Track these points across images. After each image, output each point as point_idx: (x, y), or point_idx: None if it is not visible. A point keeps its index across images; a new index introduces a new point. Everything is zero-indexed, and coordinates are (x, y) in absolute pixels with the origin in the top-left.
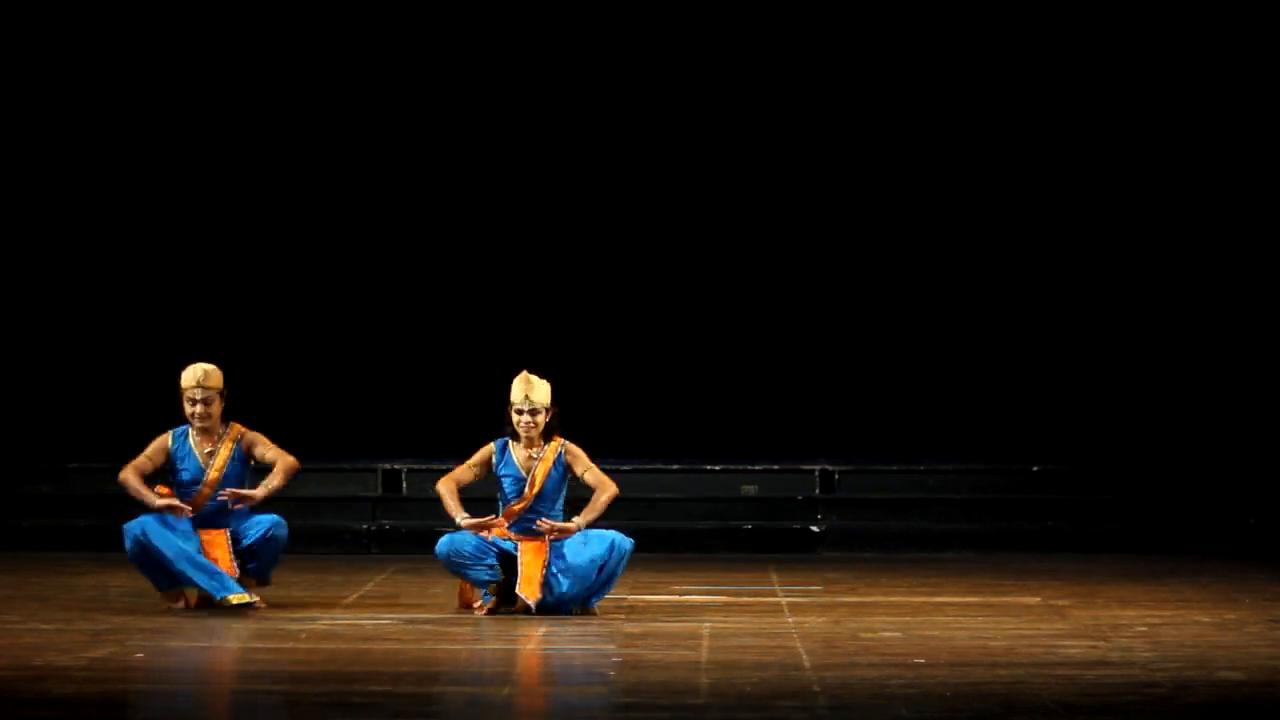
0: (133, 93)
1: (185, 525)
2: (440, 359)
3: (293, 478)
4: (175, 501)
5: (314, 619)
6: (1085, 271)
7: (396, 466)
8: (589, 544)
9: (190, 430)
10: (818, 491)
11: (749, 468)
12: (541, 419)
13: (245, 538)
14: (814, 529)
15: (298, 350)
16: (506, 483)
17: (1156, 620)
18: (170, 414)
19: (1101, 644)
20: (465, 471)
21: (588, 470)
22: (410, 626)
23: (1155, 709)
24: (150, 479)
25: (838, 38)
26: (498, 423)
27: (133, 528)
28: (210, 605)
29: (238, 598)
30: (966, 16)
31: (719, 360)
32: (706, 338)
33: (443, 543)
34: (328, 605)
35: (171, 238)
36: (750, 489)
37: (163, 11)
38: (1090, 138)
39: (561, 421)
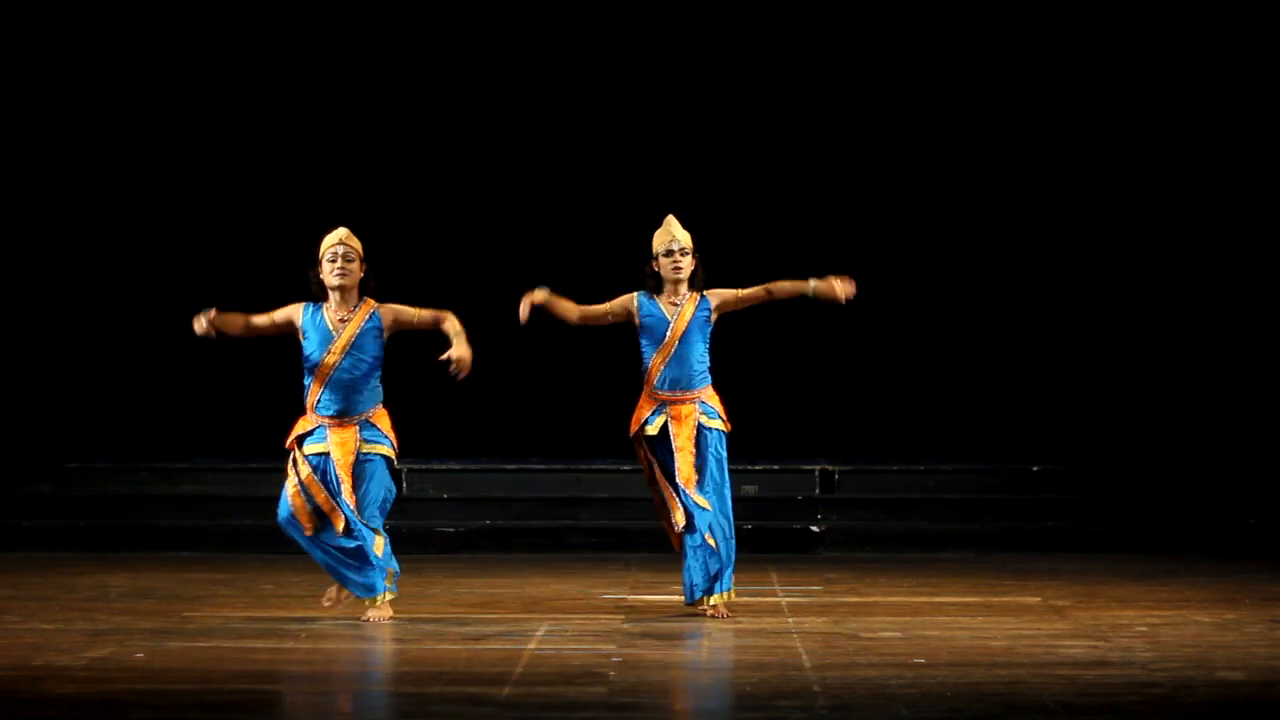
0: (133, 92)
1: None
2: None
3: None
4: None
5: (314, 619)
6: (1085, 272)
7: (397, 466)
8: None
9: (325, 305)
10: (818, 491)
11: (749, 468)
12: (690, 261)
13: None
14: (814, 529)
15: (298, 349)
16: (647, 328)
17: (1156, 620)
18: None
19: (1101, 644)
20: (598, 306)
21: (737, 293)
22: (410, 626)
23: (1155, 709)
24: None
25: (836, 40)
26: (499, 422)
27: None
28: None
29: (373, 601)
30: (964, 18)
31: (718, 360)
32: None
33: None
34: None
35: (171, 237)
36: (750, 489)
37: (161, 14)
38: (1091, 138)
39: (705, 272)
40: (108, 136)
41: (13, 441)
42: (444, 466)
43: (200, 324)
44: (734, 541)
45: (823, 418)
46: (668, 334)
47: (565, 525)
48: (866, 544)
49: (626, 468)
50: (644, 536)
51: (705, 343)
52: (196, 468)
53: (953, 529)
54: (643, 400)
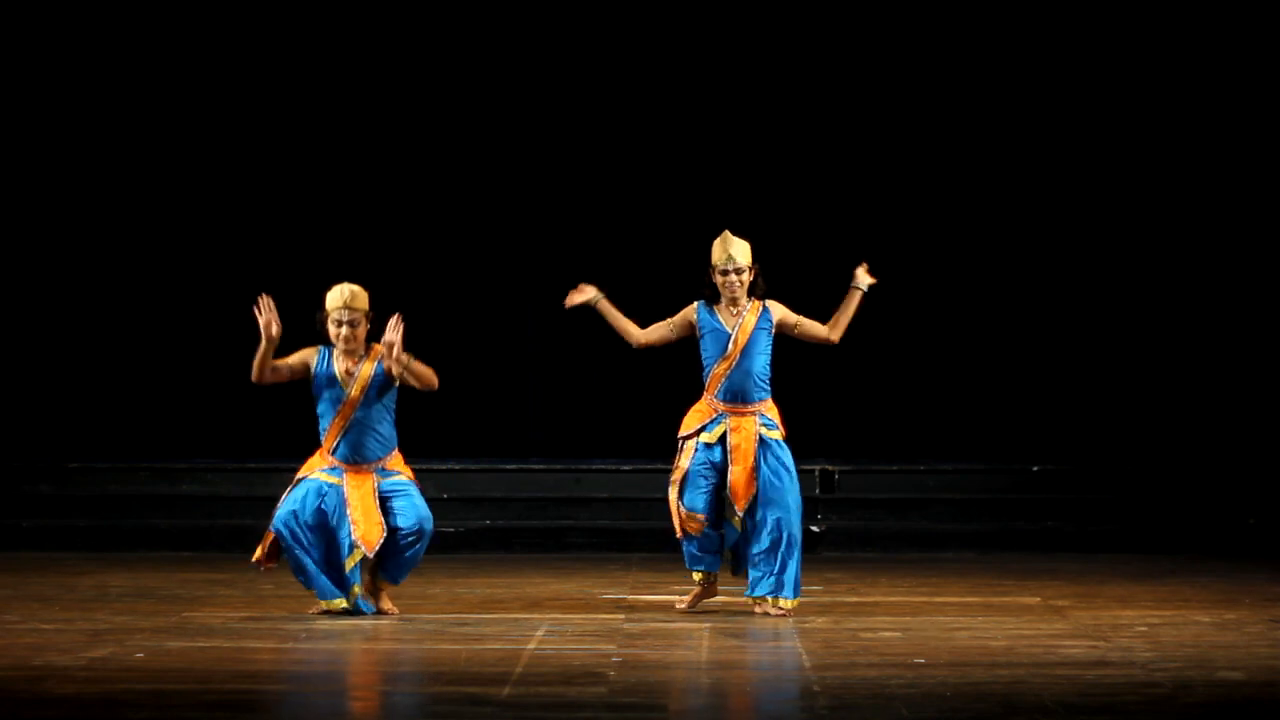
0: (131, 93)
1: (332, 501)
2: (439, 358)
3: (427, 387)
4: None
5: (314, 619)
6: (1084, 272)
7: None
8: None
9: (334, 350)
10: (818, 491)
11: None
12: (746, 278)
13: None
14: (814, 529)
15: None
16: (709, 339)
17: (1156, 620)
18: (167, 413)
19: (1101, 644)
20: (660, 326)
21: (799, 321)
22: (410, 626)
23: (1155, 709)
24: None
25: (838, 40)
26: (497, 421)
27: (280, 528)
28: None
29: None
30: (964, 18)
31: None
32: None
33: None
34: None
35: (169, 237)
36: None
37: (160, 15)
38: (1090, 138)
39: (766, 281)
40: (109, 138)
41: (13, 441)
42: (444, 466)
43: (273, 328)
44: (798, 547)
45: (823, 418)
46: (729, 346)
47: (565, 525)
48: (866, 544)
49: (626, 468)
50: (644, 536)
51: (768, 354)
52: (196, 468)
53: (953, 529)
54: (701, 406)
